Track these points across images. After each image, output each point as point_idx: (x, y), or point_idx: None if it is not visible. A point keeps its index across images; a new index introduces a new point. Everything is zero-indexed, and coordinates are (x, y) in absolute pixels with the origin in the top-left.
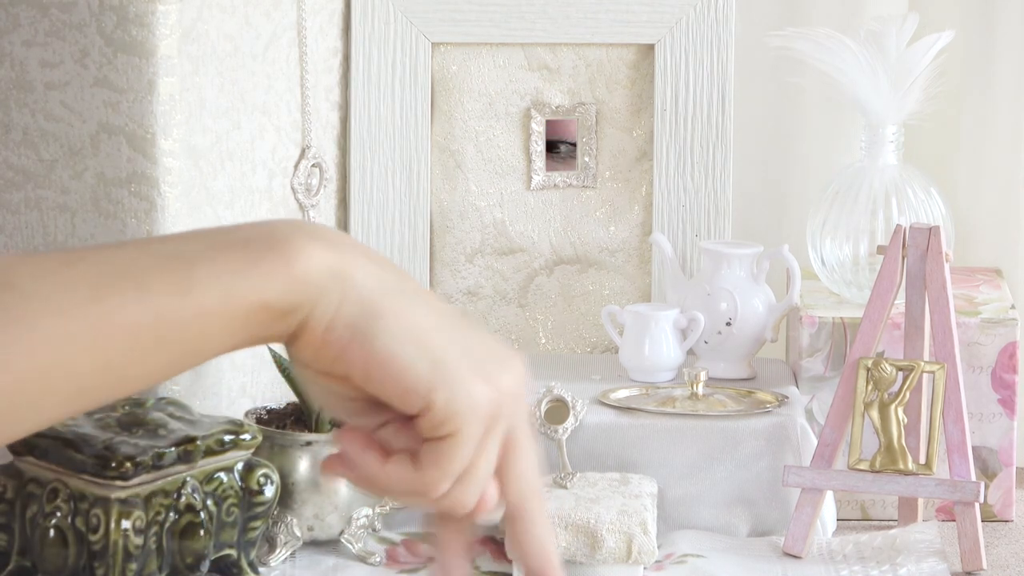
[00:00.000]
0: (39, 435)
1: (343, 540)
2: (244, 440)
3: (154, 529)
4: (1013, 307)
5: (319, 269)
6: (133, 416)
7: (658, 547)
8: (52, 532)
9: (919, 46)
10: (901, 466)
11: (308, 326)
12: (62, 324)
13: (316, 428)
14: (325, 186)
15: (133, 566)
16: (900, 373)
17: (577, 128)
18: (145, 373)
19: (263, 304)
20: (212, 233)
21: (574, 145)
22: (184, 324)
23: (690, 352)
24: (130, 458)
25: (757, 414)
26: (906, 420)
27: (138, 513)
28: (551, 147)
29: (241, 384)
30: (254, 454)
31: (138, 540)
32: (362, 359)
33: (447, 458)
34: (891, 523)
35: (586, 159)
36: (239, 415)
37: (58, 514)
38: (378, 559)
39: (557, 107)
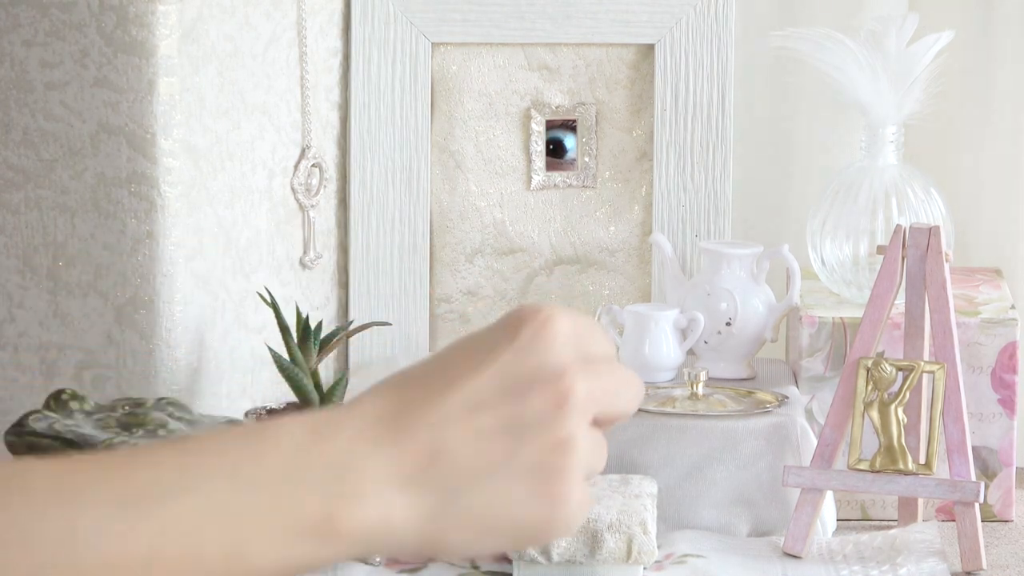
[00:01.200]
0: (40, 435)
1: None
2: None
3: None
4: (1013, 307)
5: (370, 529)
6: (133, 416)
7: (658, 547)
8: None
9: (919, 46)
10: (901, 466)
11: (375, 558)
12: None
13: None
14: (325, 186)
15: None
16: (900, 373)
17: (577, 128)
18: None
19: (319, 561)
20: (284, 465)
21: (574, 130)
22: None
23: (690, 352)
24: None
25: (757, 414)
26: (906, 420)
27: None
28: (555, 151)
29: (241, 384)
30: None
31: None
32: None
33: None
34: (891, 523)
35: (586, 159)
36: (239, 415)
37: None
38: (378, 559)
39: (557, 107)
